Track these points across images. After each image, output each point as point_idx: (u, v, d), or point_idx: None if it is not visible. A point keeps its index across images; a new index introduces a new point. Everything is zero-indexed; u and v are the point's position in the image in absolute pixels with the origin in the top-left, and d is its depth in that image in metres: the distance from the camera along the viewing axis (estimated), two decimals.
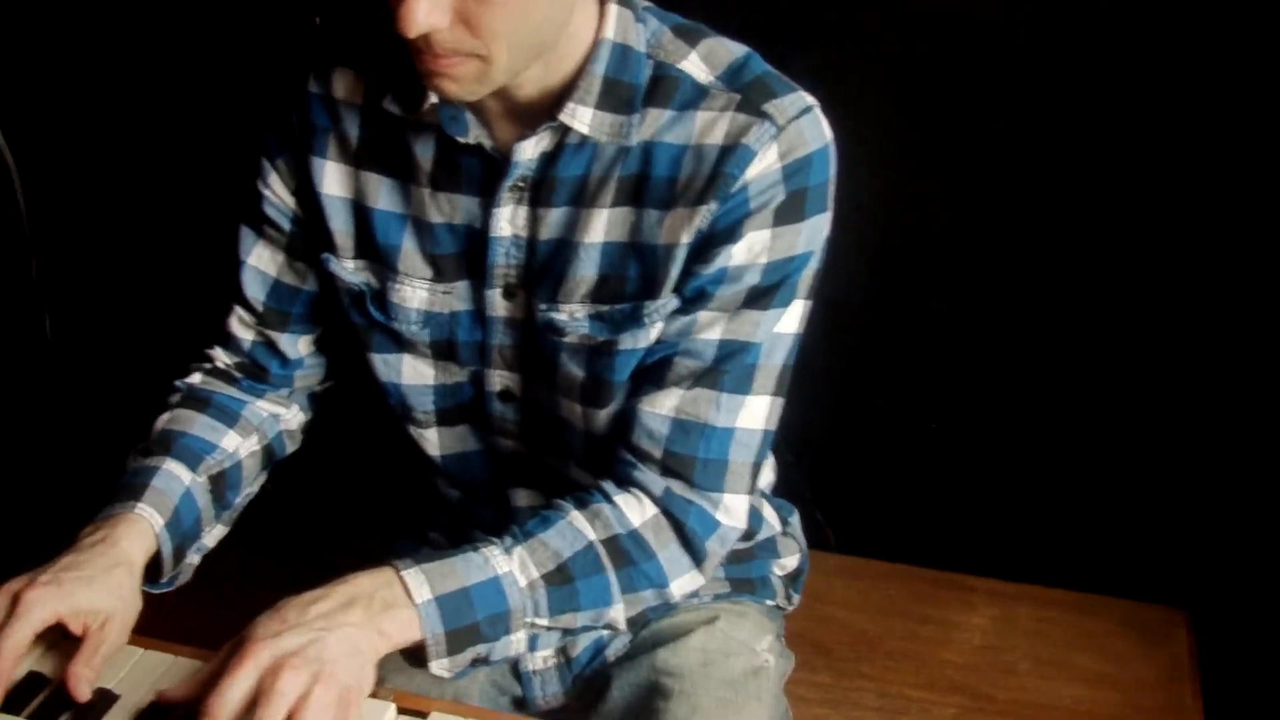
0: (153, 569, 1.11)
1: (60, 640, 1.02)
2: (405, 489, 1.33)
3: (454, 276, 1.15)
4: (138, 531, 1.08)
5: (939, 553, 1.67)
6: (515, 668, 1.27)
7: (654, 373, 1.12)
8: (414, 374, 1.20)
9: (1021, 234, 1.64)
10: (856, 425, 1.81)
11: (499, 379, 1.18)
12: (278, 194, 1.20)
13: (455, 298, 1.16)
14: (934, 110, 1.60)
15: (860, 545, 1.70)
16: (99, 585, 1.02)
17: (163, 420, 1.21)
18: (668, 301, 1.10)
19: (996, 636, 1.57)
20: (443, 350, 1.18)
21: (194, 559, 1.17)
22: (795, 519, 1.39)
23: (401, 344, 1.19)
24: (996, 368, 1.71)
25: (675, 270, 1.09)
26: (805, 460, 1.72)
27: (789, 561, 1.36)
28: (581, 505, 1.09)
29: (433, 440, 1.24)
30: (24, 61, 2.09)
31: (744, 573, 1.32)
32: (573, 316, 1.12)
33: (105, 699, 0.99)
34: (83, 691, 0.98)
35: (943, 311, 1.71)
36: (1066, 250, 1.63)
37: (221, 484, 1.20)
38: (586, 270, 1.11)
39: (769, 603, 1.33)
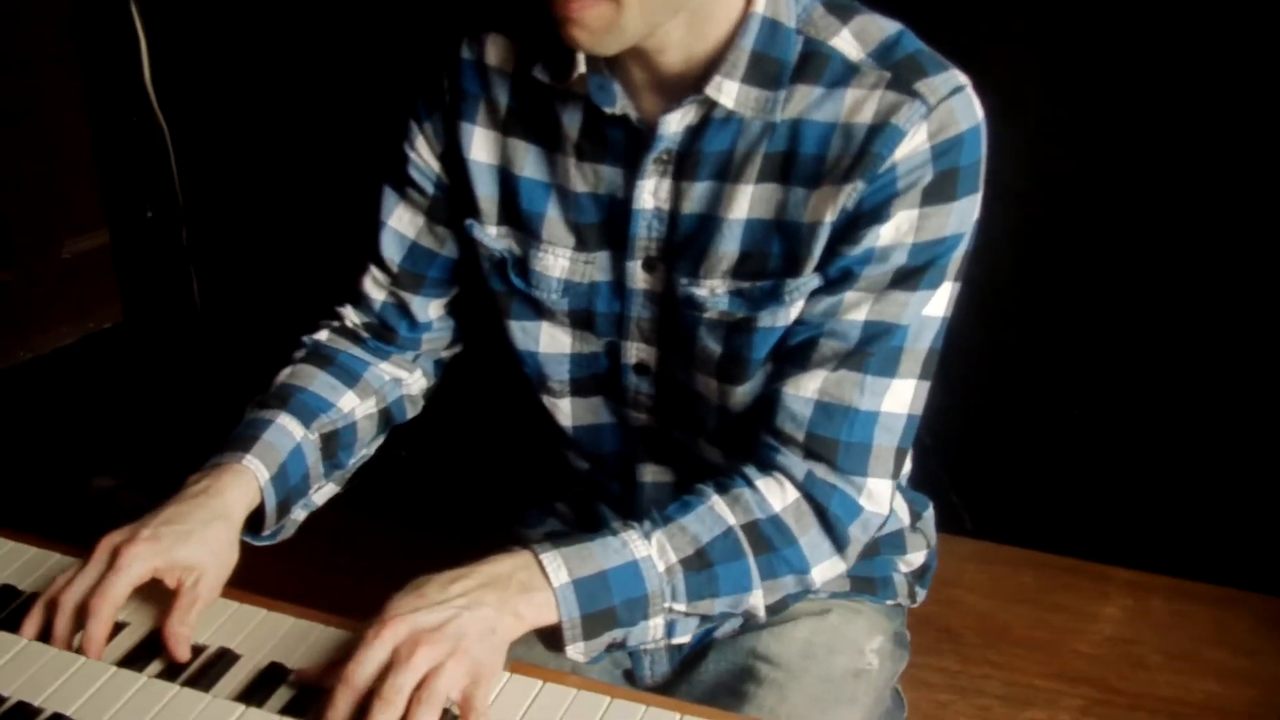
0: (256, 521, 1.13)
1: (155, 592, 1.03)
2: (535, 459, 1.34)
3: (595, 246, 1.16)
4: (242, 483, 1.10)
5: (1075, 540, 1.64)
6: None
7: (798, 354, 1.10)
8: (551, 342, 1.21)
9: (1171, 223, 1.60)
10: (997, 410, 1.78)
11: (635, 351, 1.19)
12: (424, 157, 1.21)
13: (596, 268, 1.16)
14: (1088, 95, 1.57)
15: (997, 531, 1.68)
16: (195, 539, 1.03)
17: (284, 374, 1.22)
18: (809, 280, 1.09)
19: (1129, 628, 1.54)
20: (581, 320, 1.19)
21: (299, 515, 1.19)
22: (929, 513, 1.36)
23: (540, 312, 1.20)
24: (1140, 356, 1.67)
25: (818, 249, 1.08)
26: (943, 444, 1.70)
27: (915, 558, 1.33)
28: (722, 490, 1.08)
29: (565, 410, 1.25)
30: (178, 36, 2.16)
31: (866, 570, 1.28)
32: (713, 292, 1.12)
33: (226, 657, 1.00)
34: (182, 651, 0.99)
35: (1088, 298, 1.67)
36: (1216, 240, 1.59)
37: (334, 443, 1.21)
38: (729, 246, 1.10)
39: (889, 602, 1.30)
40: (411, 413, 1.31)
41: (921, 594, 1.35)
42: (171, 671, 0.98)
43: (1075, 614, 1.53)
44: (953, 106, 1.05)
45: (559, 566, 0.99)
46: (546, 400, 1.25)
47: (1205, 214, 1.58)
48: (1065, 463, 1.76)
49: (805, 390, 1.09)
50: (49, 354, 2.42)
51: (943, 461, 1.62)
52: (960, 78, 1.07)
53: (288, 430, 1.16)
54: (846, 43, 1.08)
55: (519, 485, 1.40)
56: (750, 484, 1.09)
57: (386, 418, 1.28)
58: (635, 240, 1.14)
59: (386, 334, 1.27)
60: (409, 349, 1.28)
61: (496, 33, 1.17)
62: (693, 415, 1.20)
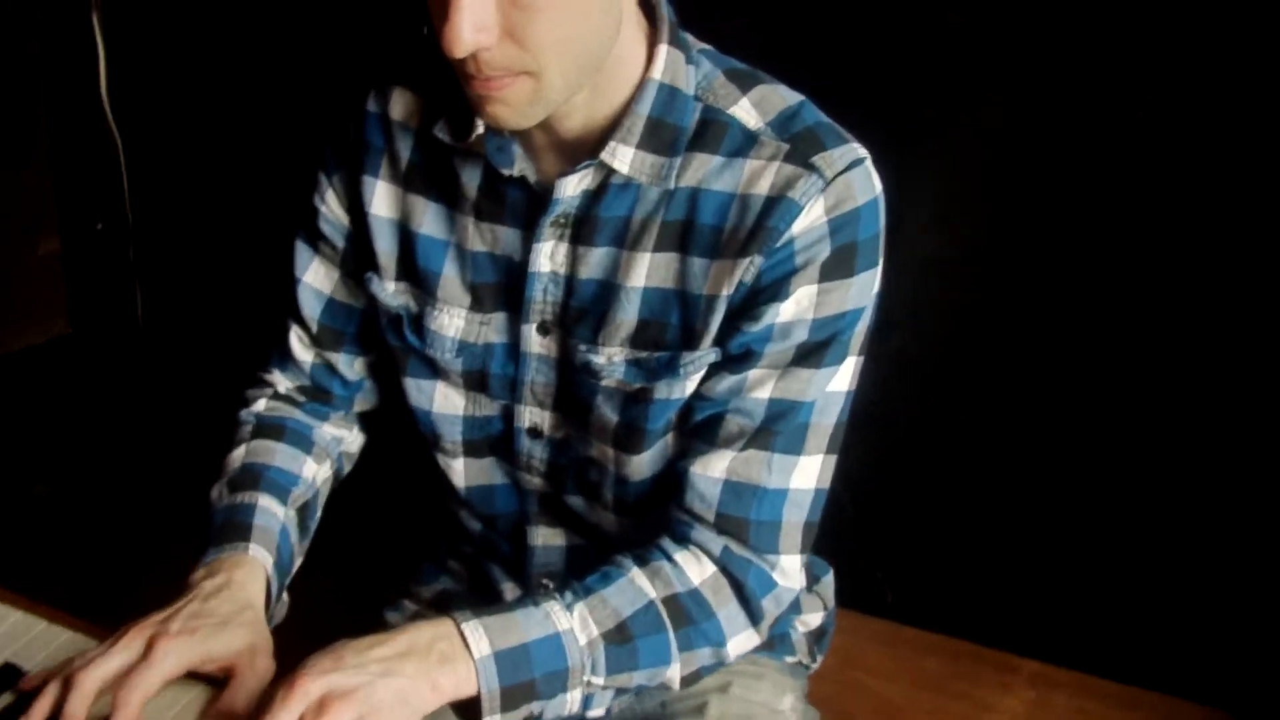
0: None
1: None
2: (430, 516, 1.33)
3: (491, 307, 1.15)
4: (255, 574, 1.07)
5: (988, 625, 1.61)
6: None
7: (704, 432, 1.10)
8: (445, 402, 1.20)
9: (1096, 298, 1.59)
10: (925, 485, 1.76)
11: (529, 415, 1.17)
12: (333, 210, 1.20)
13: (491, 329, 1.15)
14: (1005, 167, 1.57)
15: (916, 608, 1.66)
16: (233, 627, 1.00)
17: (239, 452, 1.20)
18: (705, 354, 1.08)
19: None
20: (474, 381, 1.18)
21: (286, 595, 1.16)
22: (828, 578, 1.35)
23: (435, 371, 1.18)
24: (1065, 443, 1.65)
25: (715, 322, 1.07)
26: (869, 518, 1.68)
27: (812, 619, 1.32)
28: (641, 562, 1.07)
29: (459, 470, 1.23)
30: (137, 51, 2.16)
31: None
32: (610, 360, 1.10)
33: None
34: None
35: (1020, 381, 1.66)
36: (1141, 322, 1.57)
37: (306, 514, 1.20)
38: (627, 314, 1.09)
39: (789, 659, 1.29)
40: (348, 469, 1.30)
41: (820, 657, 1.34)
42: None
43: (976, 704, 1.50)
44: (850, 180, 1.04)
45: (480, 637, 0.97)
46: (440, 459, 1.24)
47: (1133, 291, 1.57)
48: (989, 545, 1.74)
49: (713, 470, 1.09)
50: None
51: (867, 534, 1.61)
52: (859, 150, 1.06)
53: (272, 512, 1.14)
54: (746, 112, 1.07)
55: (414, 541, 1.38)
56: (669, 557, 1.08)
57: (336, 478, 1.27)
58: (531, 303, 1.12)
59: (321, 395, 1.26)
60: (343, 407, 1.27)
61: (403, 86, 1.16)
62: (588, 481, 1.18)
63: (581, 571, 1.08)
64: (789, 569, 1.11)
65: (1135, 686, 1.53)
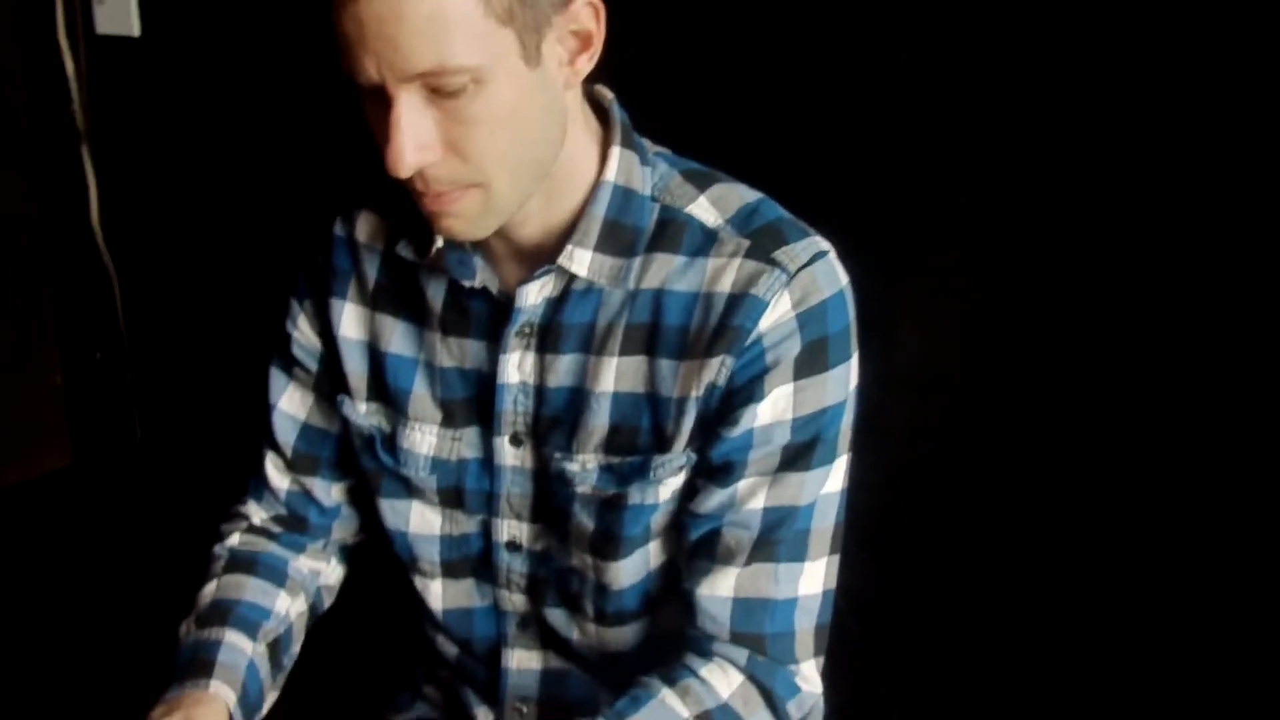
0: None
1: None
2: (405, 641, 1.30)
3: (464, 422, 1.14)
4: (214, 711, 1.05)
5: None
6: None
7: (704, 550, 1.08)
8: (421, 522, 1.18)
9: (1101, 404, 1.53)
10: (932, 603, 1.71)
11: (507, 529, 1.16)
12: (306, 334, 1.20)
13: (464, 444, 1.14)
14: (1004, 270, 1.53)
15: None
16: None
17: (210, 588, 1.19)
18: (677, 457, 1.07)
19: None
20: (450, 498, 1.16)
21: None
22: (819, 702, 1.25)
23: (410, 490, 1.17)
24: (1075, 556, 1.59)
25: (687, 424, 1.06)
26: (875, 636, 1.63)
27: None
28: (670, 682, 1.06)
29: (436, 592, 1.21)
30: (127, 181, 2.18)
31: None
32: (584, 467, 1.09)
33: None
34: None
35: (1024, 490, 1.60)
36: (1151, 427, 1.51)
37: (278, 649, 1.18)
38: (599, 420, 1.08)
39: None
40: (328, 603, 1.28)
41: None
42: None
43: None
44: (814, 273, 1.04)
45: None
46: (418, 581, 1.22)
47: (1146, 412, 1.51)
48: (998, 663, 1.67)
49: (720, 590, 1.07)
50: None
51: (872, 651, 1.56)
52: (821, 244, 1.06)
53: (238, 648, 1.12)
54: (704, 210, 1.07)
55: (391, 668, 1.36)
56: (695, 674, 1.06)
57: (313, 613, 1.25)
58: (502, 415, 1.11)
59: (297, 524, 1.24)
60: (320, 537, 1.25)
61: (367, 209, 1.17)
62: (569, 593, 1.16)
63: (555, 696, 1.06)
64: (809, 674, 1.10)
65: None
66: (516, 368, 1.10)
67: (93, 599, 2.24)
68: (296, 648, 1.22)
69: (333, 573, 1.27)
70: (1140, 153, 1.37)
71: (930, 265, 1.52)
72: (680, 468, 1.08)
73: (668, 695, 1.04)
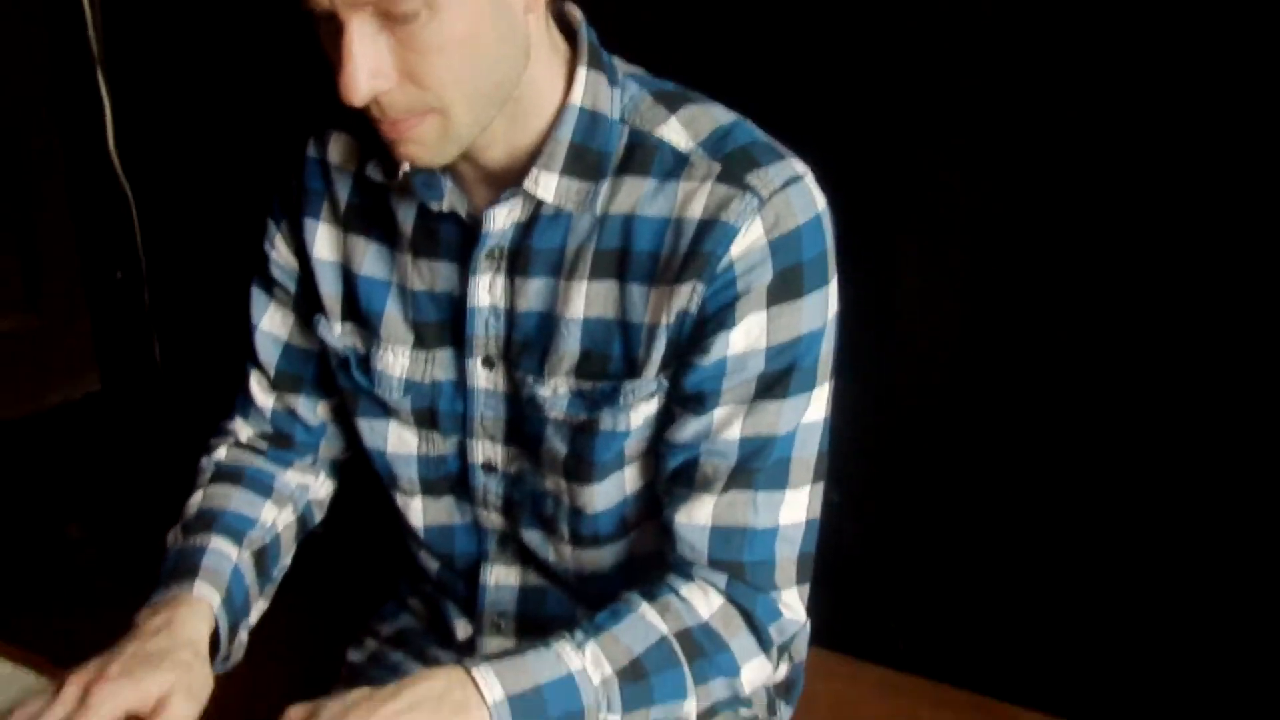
0: (211, 649, 1.08)
1: None
2: (393, 554, 1.32)
3: (436, 344, 1.14)
4: (198, 613, 1.06)
5: (994, 676, 1.55)
6: None
7: (681, 478, 1.07)
8: (398, 442, 1.19)
9: (1112, 352, 1.51)
10: (939, 535, 1.70)
11: (482, 450, 1.16)
12: (283, 255, 1.20)
13: (437, 366, 1.14)
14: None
15: (929, 658, 1.60)
16: (166, 666, 1.00)
17: (197, 499, 1.20)
18: (648, 384, 1.06)
19: None
20: (425, 419, 1.17)
21: (244, 637, 1.15)
22: (804, 630, 1.21)
23: (386, 410, 1.18)
24: (1085, 493, 1.57)
25: (657, 351, 1.05)
26: (883, 566, 1.62)
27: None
28: (650, 598, 1.06)
29: (416, 510, 1.22)
30: (142, 104, 2.20)
31: None
32: (555, 392, 1.09)
33: None
34: None
35: (1036, 428, 1.58)
36: (1148, 403, 1.49)
37: (264, 559, 1.19)
38: (570, 345, 1.07)
39: (744, 712, 1.22)
40: (319, 518, 1.29)
41: (786, 710, 1.29)
42: None
43: None
44: (789, 198, 1.01)
45: (493, 682, 0.95)
46: (399, 499, 1.23)
47: (1141, 347, 1.49)
48: (1000, 594, 1.66)
49: (698, 518, 1.06)
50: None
51: (879, 581, 1.56)
52: (797, 166, 1.03)
53: (223, 553, 1.13)
54: (675, 132, 1.04)
55: (378, 580, 1.38)
56: (676, 592, 1.06)
57: (302, 525, 1.26)
58: (473, 338, 1.11)
59: (283, 441, 1.25)
60: (308, 453, 1.26)
61: (339, 130, 1.16)
62: (543, 515, 1.17)
63: (532, 612, 1.06)
64: (790, 602, 1.09)
65: None
66: (487, 291, 1.09)
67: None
68: (286, 560, 1.23)
69: (322, 487, 1.28)
70: (1140, 153, 1.35)
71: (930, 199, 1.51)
72: (652, 394, 1.07)
73: (647, 610, 1.04)
